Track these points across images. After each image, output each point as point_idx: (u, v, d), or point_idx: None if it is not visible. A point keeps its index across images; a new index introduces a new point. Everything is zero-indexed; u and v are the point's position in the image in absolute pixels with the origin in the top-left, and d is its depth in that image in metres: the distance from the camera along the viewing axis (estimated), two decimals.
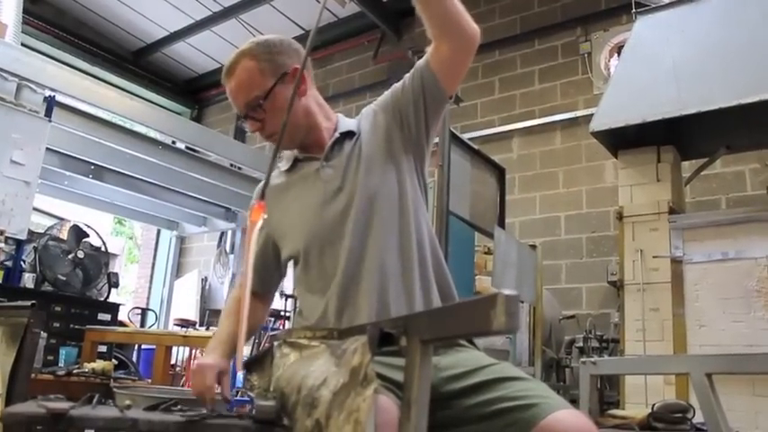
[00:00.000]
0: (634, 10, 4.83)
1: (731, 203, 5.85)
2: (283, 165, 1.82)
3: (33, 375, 3.01)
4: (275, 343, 1.67)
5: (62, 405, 1.25)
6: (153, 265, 10.98)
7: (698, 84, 4.23)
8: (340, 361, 1.34)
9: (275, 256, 1.79)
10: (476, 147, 5.02)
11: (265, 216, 1.50)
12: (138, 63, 10.75)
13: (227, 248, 9.24)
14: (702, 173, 5.06)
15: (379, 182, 1.64)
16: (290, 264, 1.78)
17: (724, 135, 4.61)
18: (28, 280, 5.00)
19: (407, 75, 1.70)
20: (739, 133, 4.60)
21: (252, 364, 1.72)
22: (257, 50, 1.70)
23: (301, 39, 1.74)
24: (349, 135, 1.73)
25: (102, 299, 5.53)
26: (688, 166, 5.13)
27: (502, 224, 4.97)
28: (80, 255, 5.28)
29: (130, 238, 17.54)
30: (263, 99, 1.65)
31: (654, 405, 2.63)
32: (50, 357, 4.47)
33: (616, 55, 6.82)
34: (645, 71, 4.51)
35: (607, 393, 5.12)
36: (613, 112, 4.46)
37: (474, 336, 1.49)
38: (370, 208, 1.60)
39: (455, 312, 1.02)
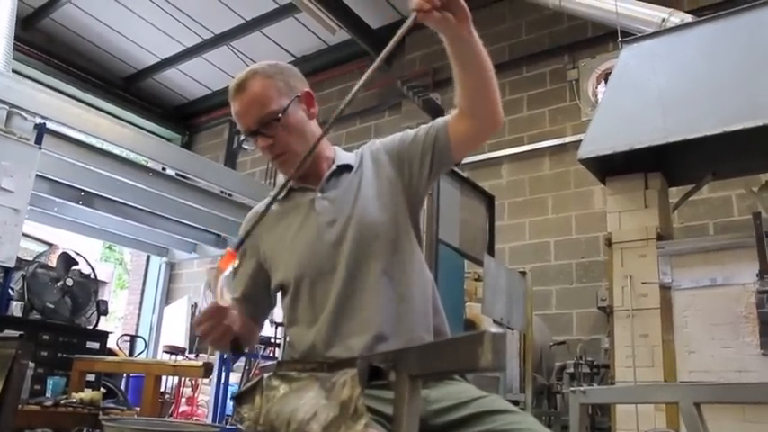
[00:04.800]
0: (620, 39, 4.90)
1: (718, 229, 5.89)
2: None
3: (20, 406, 2.98)
4: (265, 375, 1.67)
5: None
6: (142, 291, 10.93)
7: (684, 112, 4.28)
8: (330, 394, 1.35)
9: (266, 284, 1.78)
10: (465, 174, 5.06)
11: (235, 265, 1.49)
12: (128, 89, 10.80)
13: None
14: (690, 198, 5.10)
15: (375, 219, 1.63)
16: (279, 294, 1.78)
17: (710, 162, 4.66)
18: (16, 308, 4.96)
19: (423, 126, 1.70)
20: (725, 160, 4.65)
21: (242, 396, 1.71)
22: (271, 71, 1.69)
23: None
24: (346, 168, 1.73)
25: (91, 327, 5.49)
26: (675, 192, 5.18)
27: (491, 251, 4.99)
28: (69, 282, 5.25)
29: (120, 264, 17.47)
30: (280, 114, 1.64)
31: None
32: (38, 387, 4.42)
33: (603, 82, 6.91)
34: (631, 99, 4.57)
35: (598, 419, 5.11)
36: (601, 139, 4.50)
37: (461, 372, 1.50)
38: (363, 243, 1.60)
39: (443, 349, 1.03)
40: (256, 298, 1.80)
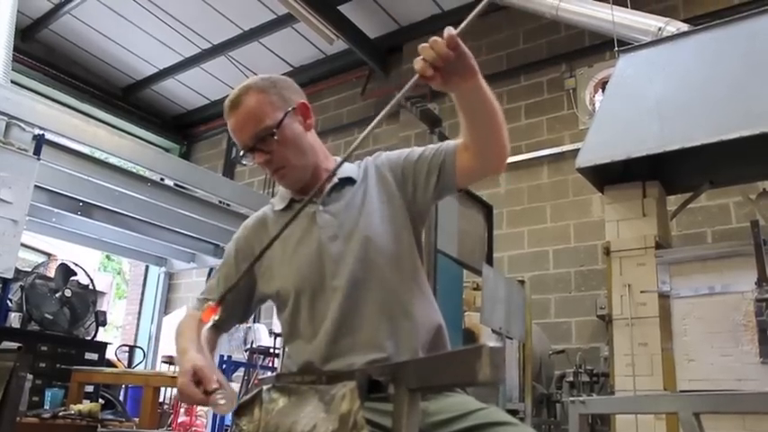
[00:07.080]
0: (616, 48, 4.92)
1: (717, 236, 5.90)
2: (278, 203, 1.80)
3: (18, 419, 2.97)
4: (264, 387, 1.66)
5: None
6: (141, 301, 10.91)
7: (681, 120, 4.30)
8: (329, 407, 1.34)
9: (248, 293, 1.77)
10: None
11: (216, 318, 1.49)
12: (127, 99, 10.81)
13: None
14: (688, 206, 5.11)
15: (379, 235, 1.62)
16: (276, 307, 1.77)
17: (708, 170, 4.68)
18: (14, 319, 4.96)
19: (431, 147, 1.69)
20: (722, 168, 4.67)
21: (241, 408, 1.70)
22: (264, 85, 1.68)
23: (289, 76, 1.75)
24: (348, 182, 1.72)
25: (90, 338, 5.48)
26: (673, 200, 5.19)
27: (490, 261, 4.98)
28: (67, 293, 5.25)
29: (118, 274, 17.44)
30: (275, 129, 1.63)
31: None
32: (36, 398, 4.41)
33: (600, 90, 6.92)
34: (628, 108, 4.59)
35: (598, 428, 5.10)
36: (598, 148, 4.52)
37: (460, 385, 1.49)
38: (366, 259, 1.59)
39: (442, 362, 1.04)
40: (234, 304, 1.78)
